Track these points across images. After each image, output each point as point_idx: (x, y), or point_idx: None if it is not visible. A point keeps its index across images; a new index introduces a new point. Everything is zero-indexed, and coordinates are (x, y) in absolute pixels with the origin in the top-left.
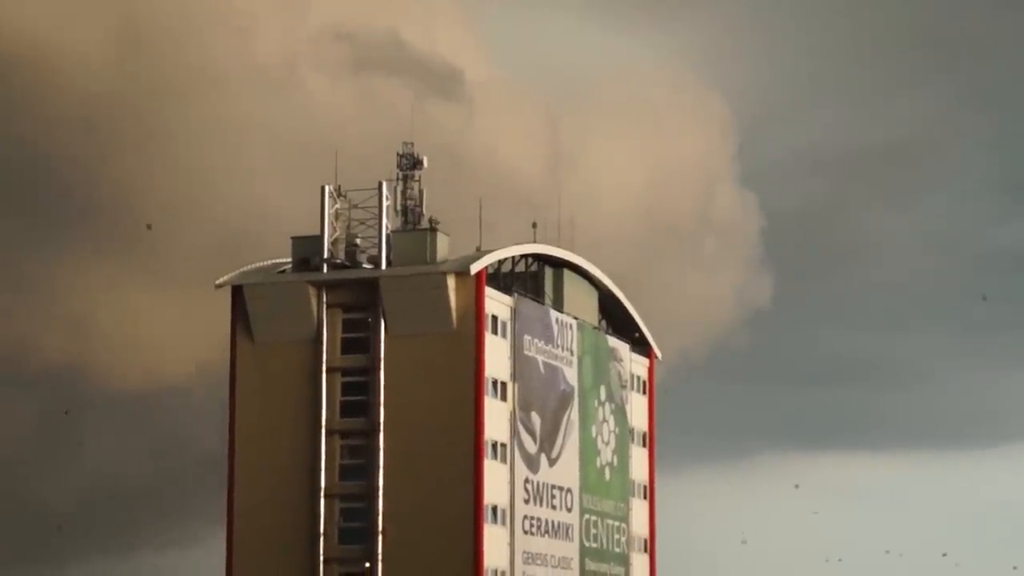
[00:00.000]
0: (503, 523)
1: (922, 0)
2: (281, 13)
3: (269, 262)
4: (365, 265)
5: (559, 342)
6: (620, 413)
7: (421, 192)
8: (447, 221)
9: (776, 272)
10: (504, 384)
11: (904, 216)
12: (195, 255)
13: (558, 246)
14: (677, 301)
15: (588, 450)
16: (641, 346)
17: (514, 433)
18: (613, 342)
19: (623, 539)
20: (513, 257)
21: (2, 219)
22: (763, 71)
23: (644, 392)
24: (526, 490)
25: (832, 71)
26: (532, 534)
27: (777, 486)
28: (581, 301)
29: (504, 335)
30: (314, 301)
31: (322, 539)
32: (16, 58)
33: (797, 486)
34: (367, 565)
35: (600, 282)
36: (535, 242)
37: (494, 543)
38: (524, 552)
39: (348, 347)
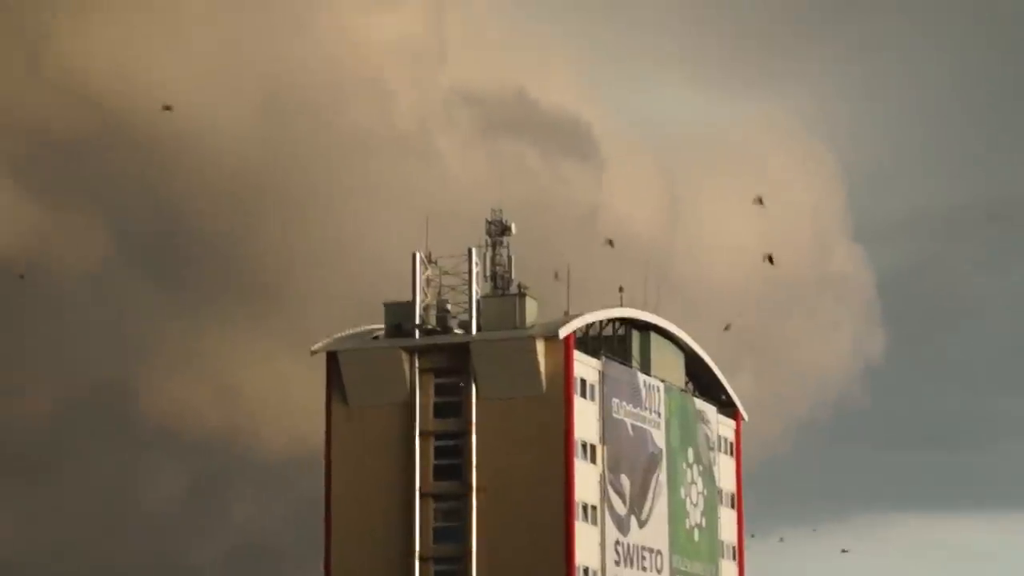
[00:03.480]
0: None
1: None
2: (410, 76)
3: (363, 328)
4: (456, 330)
5: (647, 404)
6: (708, 475)
7: (510, 258)
8: (561, 278)
9: (886, 329)
10: (593, 446)
11: (1010, 276)
12: (338, 324)
13: (645, 309)
14: (789, 355)
15: (677, 511)
16: (728, 408)
17: (604, 495)
18: (700, 404)
19: None
20: (601, 321)
21: (157, 290)
22: (872, 130)
23: (731, 454)
24: (617, 551)
25: (939, 131)
26: None
27: (870, 546)
28: (668, 363)
29: (593, 398)
30: (407, 366)
31: None
32: (165, 131)
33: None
34: None
35: (686, 345)
36: (622, 305)
37: None
38: None
39: (440, 411)
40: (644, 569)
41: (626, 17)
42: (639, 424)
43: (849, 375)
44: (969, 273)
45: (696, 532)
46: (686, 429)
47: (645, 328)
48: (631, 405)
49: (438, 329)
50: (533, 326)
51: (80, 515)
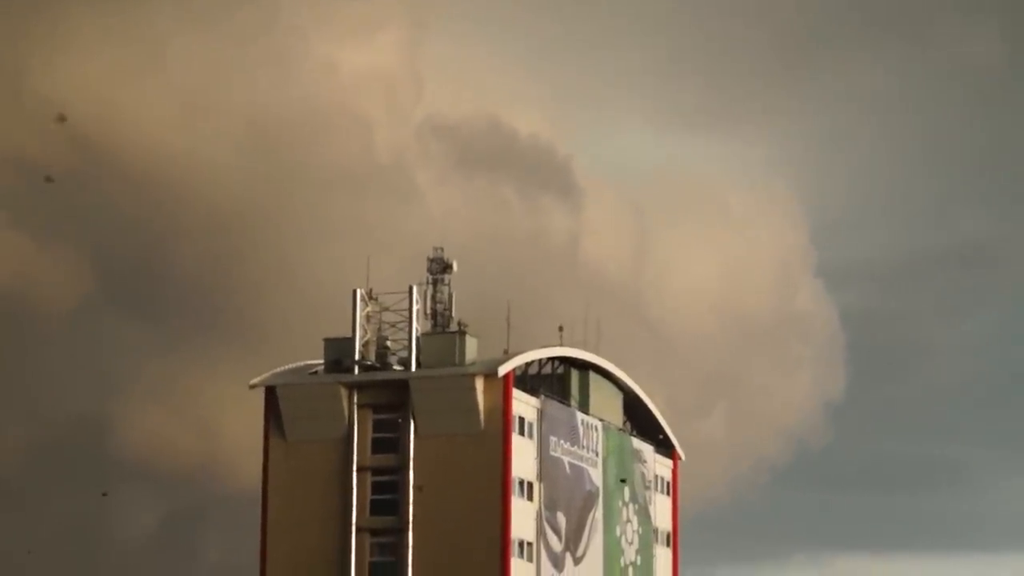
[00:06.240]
0: None
1: (990, 117)
2: (387, 107)
3: (302, 363)
4: (396, 367)
5: (584, 443)
6: (644, 513)
7: (450, 296)
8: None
9: (844, 374)
10: (530, 484)
11: (967, 322)
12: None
13: (585, 348)
14: (750, 398)
15: (612, 549)
16: (665, 447)
17: (540, 532)
18: (637, 443)
19: None
20: (540, 360)
21: (137, 325)
22: (836, 175)
23: (668, 493)
24: None
25: (903, 179)
26: None
27: None
28: (606, 403)
29: (531, 436)
30: (345, 402)
31: None
32: (145, 166)
33: None
34: None
35: (625, 384)
36: (562, 345)
37: None
38: None
39: (378, 447)
40: None
41: (599, 57)
42: (576, 462)
43: (810, 414)
44: (926, 318)
45: (631, 570)
46: (623, 468)
47: (584, 367)
48: (569, 443)
49: (377, 365)
50: (473, 364)
51: (52, 547)
